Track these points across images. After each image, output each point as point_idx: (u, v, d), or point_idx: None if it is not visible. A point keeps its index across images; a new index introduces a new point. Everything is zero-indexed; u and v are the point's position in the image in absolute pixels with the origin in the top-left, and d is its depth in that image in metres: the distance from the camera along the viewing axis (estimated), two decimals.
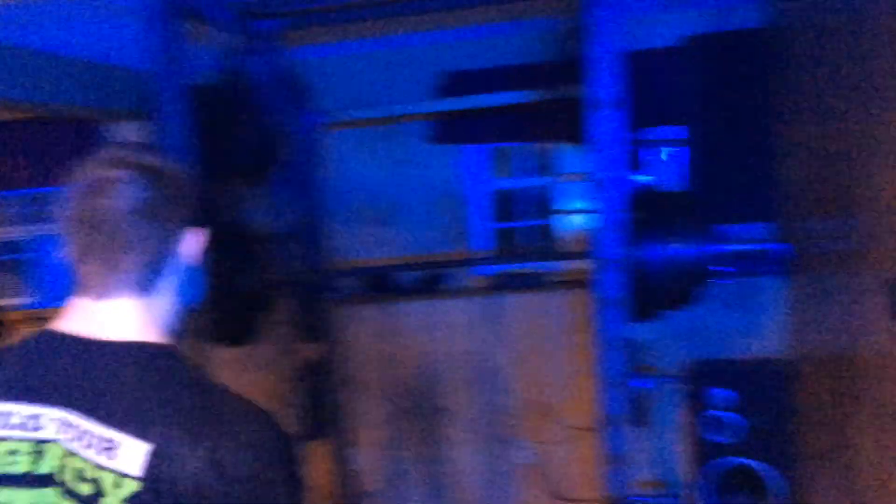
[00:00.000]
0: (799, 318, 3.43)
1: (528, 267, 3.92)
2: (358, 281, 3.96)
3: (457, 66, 3.70)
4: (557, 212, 4.16)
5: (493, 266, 3.95)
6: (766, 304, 3.67)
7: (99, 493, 0.98)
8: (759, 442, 3.45)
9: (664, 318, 3.34)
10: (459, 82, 3.63)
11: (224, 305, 2.70)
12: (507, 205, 4.26)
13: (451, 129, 3.67)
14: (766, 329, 3.69)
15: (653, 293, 2.79)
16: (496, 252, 4.13)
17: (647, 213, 2.75)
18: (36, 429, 1.02)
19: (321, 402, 3.23)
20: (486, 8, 3.11)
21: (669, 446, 3.87)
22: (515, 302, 3.87)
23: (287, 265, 3.10)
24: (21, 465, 1.01)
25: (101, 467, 0.98)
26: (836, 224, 2.78)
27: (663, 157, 3.67)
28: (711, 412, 3.49)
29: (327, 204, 3.39)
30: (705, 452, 3.52)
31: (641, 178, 3.40)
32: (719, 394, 3.48)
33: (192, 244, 1.12)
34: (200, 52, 2.50)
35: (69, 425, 1.01)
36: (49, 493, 1.00)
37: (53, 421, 1.02)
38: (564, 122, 2.78)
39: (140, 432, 0.97)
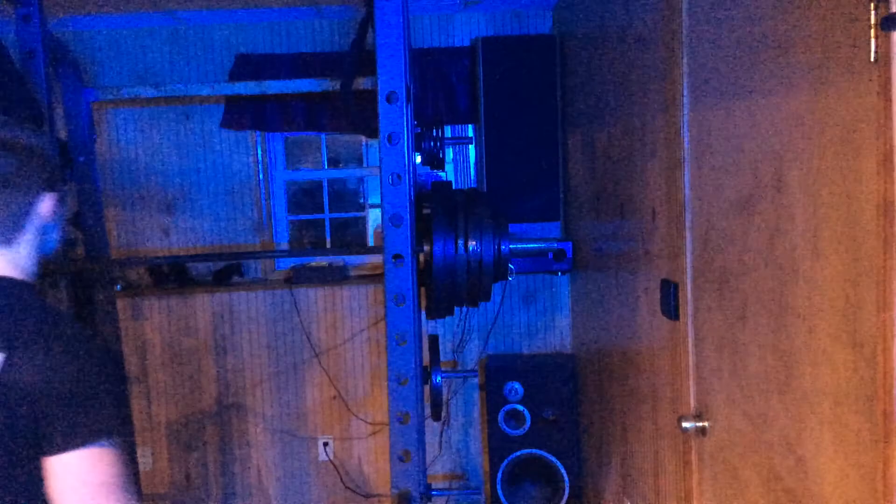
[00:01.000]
0: (584, 314, 3.59)
1: (331, 260, 3.85)
2: (146, 271, 3.72)
3: (252, 49, 3.54)
4: (363, 205, 4.12)
5: (294, 258, 3.84)
6: (555, 300, 3.82)
7: None
8: (549, 432, 3.58)
9: (459, 313, 3.39)
10: (253, 66, 3.47)
11: None
12: (313, 196, 4.16)
13: (243, 113, 3.51)
14: (556, 324, 3.83)
15: (447, 289, 2.80)
16: (297, 244, 4.02)
17: (441, 210, 2.75)
18: None
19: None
20: None
21: (467, 439, 3.94)
22: (316, 295, 3.79)
23: (59, 253, 2.84)
24: None
25: None
26: (616, 225, 2.92)
27: (453, 154, 3.72)
28: (505, 405, 3.58)
29: (108, 188, 3.14)
30: (499, 444, 3.61)
31: (435, 175, 3.41)
32: (512, 387, 3.58)
33: (47, 205, 1.33)
34: None
35: None
36: None
37: None
38: (359, 114, 2.72)
39: None
